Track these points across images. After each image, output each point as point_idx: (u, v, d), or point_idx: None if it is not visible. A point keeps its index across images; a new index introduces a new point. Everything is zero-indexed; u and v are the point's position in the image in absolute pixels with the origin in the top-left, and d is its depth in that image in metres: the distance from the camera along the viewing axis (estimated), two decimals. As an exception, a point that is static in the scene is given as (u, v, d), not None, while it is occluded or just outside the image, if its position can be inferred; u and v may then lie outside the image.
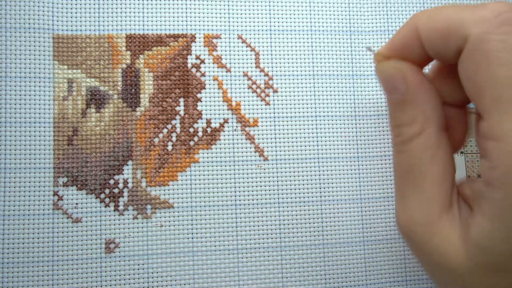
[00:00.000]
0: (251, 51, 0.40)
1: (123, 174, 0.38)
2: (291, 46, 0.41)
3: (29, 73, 0.37)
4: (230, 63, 0.40)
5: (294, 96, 0.40)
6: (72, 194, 0.37)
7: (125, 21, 0.39)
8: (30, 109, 0.37)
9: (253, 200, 0.39)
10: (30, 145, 0.37)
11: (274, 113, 0.40)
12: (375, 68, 0.29)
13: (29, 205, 0.36)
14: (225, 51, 0.40)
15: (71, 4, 0.39)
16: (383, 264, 0.39)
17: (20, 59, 0.37)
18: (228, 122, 0.39)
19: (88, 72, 0.38)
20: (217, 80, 0.40)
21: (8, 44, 0.37)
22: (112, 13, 0.39)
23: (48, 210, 0.36)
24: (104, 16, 0.39)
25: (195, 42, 0.40)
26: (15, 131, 0.37)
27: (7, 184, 0.36)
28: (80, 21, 0.39)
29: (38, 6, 0.38)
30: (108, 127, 0.38)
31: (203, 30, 0.40)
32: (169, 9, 0.40)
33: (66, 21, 0.38)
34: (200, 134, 0.39)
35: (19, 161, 0.36)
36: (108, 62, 0.39)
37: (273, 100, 0.40)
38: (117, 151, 0.38)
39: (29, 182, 0.36)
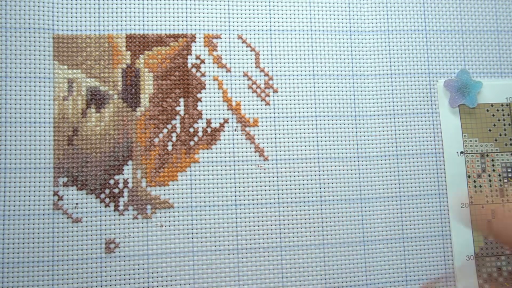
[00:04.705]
0: (251, 51, 0.40)
1: (123, 174, 0.38)
2: (291, 46, 0.41)
3: (29, 73, 0.37)
4: (230, 63, 0.40)
5: (294, 96, 0.40)
6: (72, 194, 0.37)
7: (125, 21, 0.39)
8: (30, 109, 0.37)
9: (253, 200, 0.39)
10: (30, 145, 0.37)
11: (274, 113, 0.40)
12: None
13: (29, 205, 0.36)
14: (225, 51, 0.40)
15: (71, 4, 0.39)
16: (383, 264, 0.39)
17: (20, 59, 0.37)
18: (228, 122, 0.39)
19: (88, 72, 0.38)
20: (217, 80, 0.40)
21: (8, 44, 0.37)
22: (112, 13, 0.39)
23: (48, 210, 0.36)
24: (104, 16, 0.39)
25: (195, 42, 0.40)
26: (15, 131, 0.37)
27: (7, 184, 0.36)
28: (80, 21, 0.39)
29: (38, 6, 0.38)
30: (108, 127, 0.38)
31: (203, 30, 0.40)
32: (169, 9, 0.40)
33: (66, 21, 0.38)
34: (200, 134, 0.39)
35: (19, 161, 0.36)
36: (108, 62, 0.39)
37: (273, 100, 0.40)
38: (117, 151, 0.38)
39: (29, 182, 0.36)
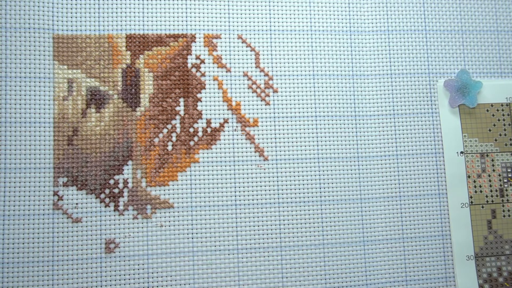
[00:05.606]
0: (251, 51, 0.40)
1: (123, 174, 0.38)
2: (291, 46, 0.41)
3: (29, 73, 0.37)
4: (230, 63, 0.40)
5: (294, 96, 0.40)
6: (72, 194, 0.37)
7: (125, 21, 0.39)
8: (30, 109, 0.37)
9: (253, 200, 0.39)
10: (30, 145, 0.37)
11: (274, 113, 0.40)
12: None
13: (29, 205, 0.36)
14: (225, 51, 0.40)
15: (71, 4, 0.39)
16: (383, 264, 0.39)
17: (20, 59, 0.37)
18: (228, 122, 0.39)
19: (88, 72, 0.38)
20: (217, 80, 0.40)
21: (8, 44, 0.37)
22: (112, 13, 0.39)
23: (48, 210, 0.36)
24: (104, 16, 0.39)
25: (195, 42, 0.40)
26: (15, 131, 0.37)
27: (7, 184, 0.36)
28: (80, 21, 0.39)
29: (38, 6, 0.38)
30: (108, 127, 0.38)
31: (203, 30, 0.40)
32: (169, 9, 0.40)
33: (66, 21, 0.38)
34: (200, 134, 0.39)
35: (19, 161, 0.36)
36: (108, 62, 0.39)
37: (273, 100, 0.40)
38: (117, 151, 0.38)
39: (29, 182, 0.36)
